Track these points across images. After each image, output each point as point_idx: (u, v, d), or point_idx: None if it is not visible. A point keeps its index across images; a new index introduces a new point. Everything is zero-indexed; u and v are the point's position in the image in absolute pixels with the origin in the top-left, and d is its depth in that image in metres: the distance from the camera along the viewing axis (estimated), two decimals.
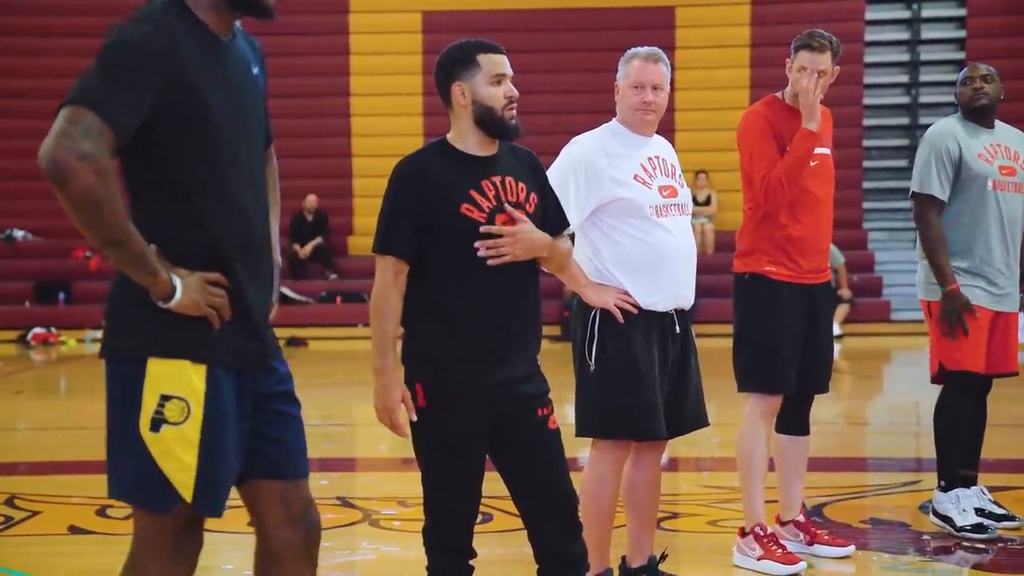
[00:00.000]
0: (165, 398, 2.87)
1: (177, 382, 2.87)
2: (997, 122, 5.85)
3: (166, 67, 2.81)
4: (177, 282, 2.85)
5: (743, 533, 5.22)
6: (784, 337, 5.16)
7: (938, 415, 5.78)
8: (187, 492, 2.88)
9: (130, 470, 2.90)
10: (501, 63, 3.71)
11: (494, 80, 3.69)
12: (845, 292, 16.65)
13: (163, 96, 2.81)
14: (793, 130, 5.16)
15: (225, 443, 2.91)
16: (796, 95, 5.18)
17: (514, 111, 3.71)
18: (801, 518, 5.37)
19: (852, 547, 5.35)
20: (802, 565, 5.11)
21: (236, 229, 2.94)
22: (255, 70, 3.08)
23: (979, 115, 5.77)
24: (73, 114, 2.74)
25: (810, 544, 5.32)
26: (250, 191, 3.00)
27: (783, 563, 5.08)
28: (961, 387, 5.72)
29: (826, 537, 5.38)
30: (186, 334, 2.87)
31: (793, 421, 5.36)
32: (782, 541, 5.23)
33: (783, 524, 5.38)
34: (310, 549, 3.10)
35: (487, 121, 3.70)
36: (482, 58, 3.70)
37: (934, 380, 5.82)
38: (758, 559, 5.13)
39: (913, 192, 5.77)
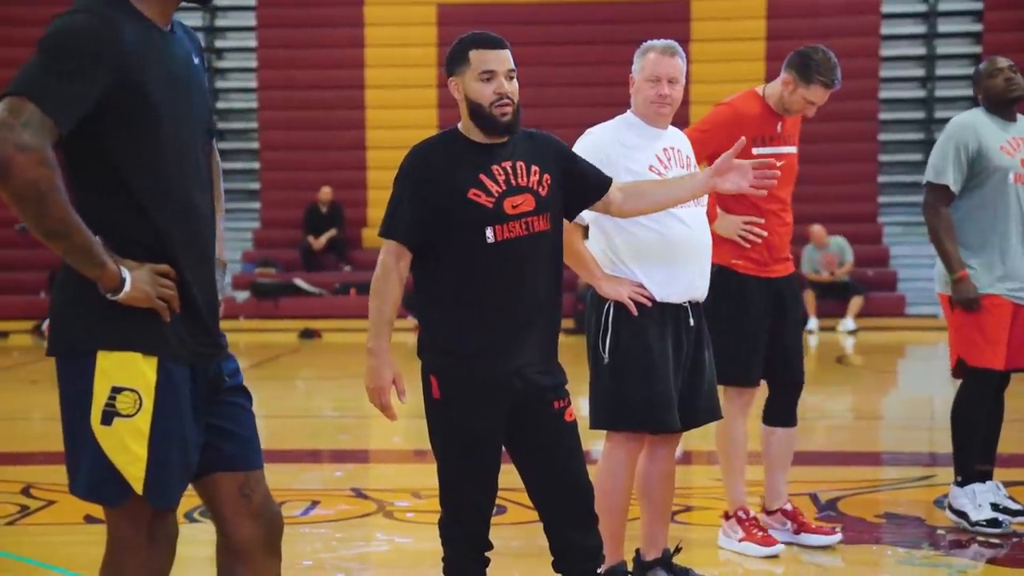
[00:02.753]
0: (116, 390, 2.84)
1: (128, 374, 2.84)
2: (1020, 115, 5.85)
3: (111, 58, 2.77)
4: (126, 273, 2.81)
5: (727, 516, 5.36)
6: (749, 329, 5.22)
7: (956, 410, 5.77)
8: (138, 484, 2.86)
9: (85, 466, 2.87)
10: (492, 59, 3.67)
11: (482, 77, 3.68)
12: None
13: (108, 87, 2.77)
14: (766, 129, 5.23)
15: (177, 434, 2.88)
16: (781, 97, 5.25)
17: (506, 108, 3.67)
18: (788, 507, 5.44)
19: (839, 535, 5.41)
20: (779, 547, 5.25)
21: (182, 221, 2.91)
22: (196, 60, 3.04)
23: (1006, 108, 5.76)
24: (13, 104, 2.70)
25: (797, 532, 5.41)
26: (196, 184, 2.97)
27: (762, 545, 5.24)
28: (980, 383, 5.71)
29: (813, 525, 5.43)
30: (136, 327, 2.85)
31: (780, 413, 5.45)
32: (769, 529, 5.37)
33: (770, 513, 5.48)
34: (274, 541, 3.09)
35: (476, 117, 3.71)
36: (473, 54, 3.69)
37: (955, 374, 5.81)
38: (739, 541, 5.29)
39: (927, 181, 5.78)
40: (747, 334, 5.22)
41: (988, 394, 5.76)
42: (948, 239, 5.67)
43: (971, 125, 5.74)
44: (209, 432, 2.99)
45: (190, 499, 3.06)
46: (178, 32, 3.00)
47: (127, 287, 2.82)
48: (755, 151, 5.17)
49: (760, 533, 5.29)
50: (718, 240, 5.26)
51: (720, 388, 4.87)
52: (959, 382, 5.81)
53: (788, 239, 5.36)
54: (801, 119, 5.43)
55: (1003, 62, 5.79)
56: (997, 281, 5.65)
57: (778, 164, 5.19)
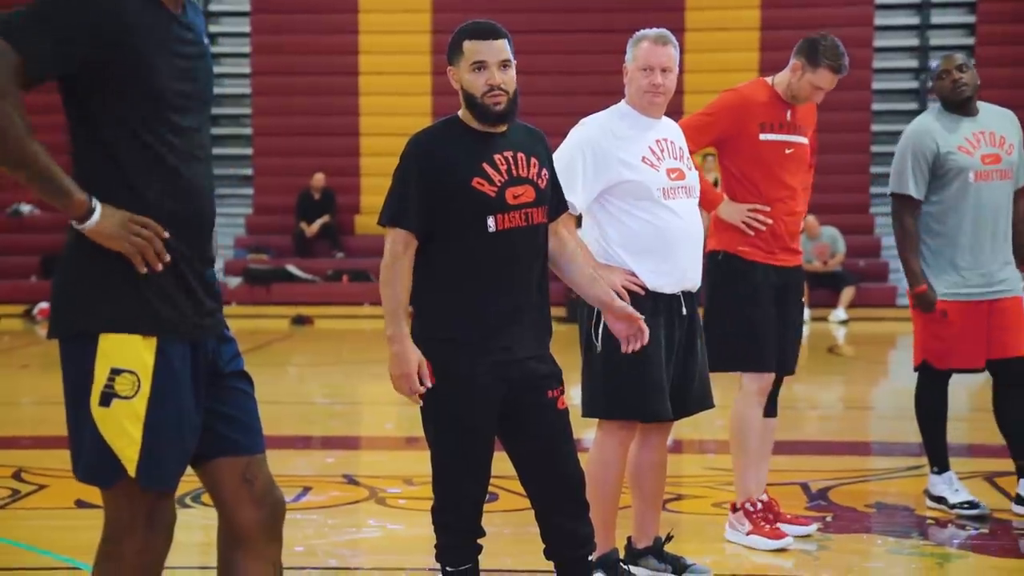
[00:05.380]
0: (116, 372, 2.84)
1: (128, 356, 2.84)
2: (981, 105, 5.81)
3: (103, 21, 2.77)
4: (96, 204, 2.79)
5: (734, 509, 5.31)
6: (759, 313, 5.21)
7: (917, 405, 5.91)
8: (131, 466, 2.85)
9: (85, 448, 2.88)
10: (483, 50, 3.68)
11: (473, 67, 3.69)
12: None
13: (99, 51, 2.77)
14: (773, 116, 5.23)
15: (173, 418, 2.88)
16: (790, 85, 5.24)
17: (498, 98, 3.67)
18: (765, 497, 5.41)
19: (815, 526, 5.43)
20: (788, 540, 5.20)
21: (184, 200, 2.90)
22: (205, 40, 3.04)
23: (961, 106, 5.74)
24: None
25: (774, 523, 5.38)
26: (199, 164, 2.95)
27: (770, 538, 5.19)
28: (933, 374, 5.81)
29: (789, 516, 5.44)
30: (135, 308, 2.84)
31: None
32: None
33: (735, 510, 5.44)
34: (275, 526, 3.08)
35: (470, 107, 3.72)
36: (466, 45, 3.70)
37: (916, 370, 5.90)
38: (747, 534, 5.24)
39: (891, 192, 5.81)
40: (757, 318, 5.19)
41: (943, 383, 5.84)
42: (912, 253, 5.74)
43: (926, 130, 5.73)
44: (210, 417, 2.99)
45: (182, 485, 3.05)
46: (190, 14, 2.99)
47: (96, 216, 2.79)
48: (762, 137, 5.19)
49: (768, 526, 5.23)
50: (722, 226, 5.26)
51: (725, 377, 4.84)
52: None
53: (796, 228, 5.32)
54: (816, 110, 5.42)
55: (954, 60, 5.74)
56: (966, 282, 5.68)
57: (787, 152, 5.23)
